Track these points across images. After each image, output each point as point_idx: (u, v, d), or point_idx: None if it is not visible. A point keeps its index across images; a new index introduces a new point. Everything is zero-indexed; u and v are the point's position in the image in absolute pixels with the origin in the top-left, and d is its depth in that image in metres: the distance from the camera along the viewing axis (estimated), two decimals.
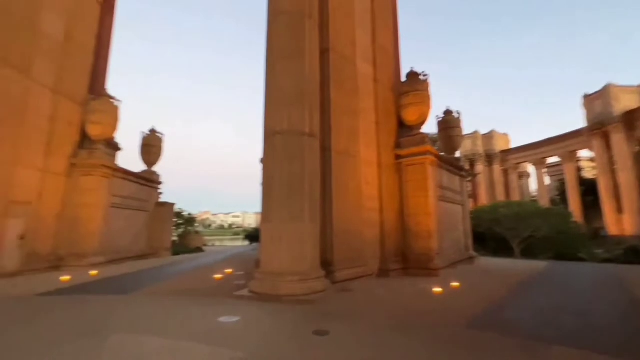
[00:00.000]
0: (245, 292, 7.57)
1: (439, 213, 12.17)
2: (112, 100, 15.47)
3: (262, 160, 12.27)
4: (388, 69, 13.53)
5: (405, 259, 11.58)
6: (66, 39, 14.05)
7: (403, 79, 13.83)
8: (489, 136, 49.39)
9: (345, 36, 11.66)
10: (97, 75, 16.18)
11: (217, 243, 40.16)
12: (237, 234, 77.49)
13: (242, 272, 11.26)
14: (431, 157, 12.03)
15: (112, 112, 15.13)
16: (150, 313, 6.18)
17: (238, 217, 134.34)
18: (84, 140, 14.56)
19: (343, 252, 9.56)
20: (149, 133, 19.60)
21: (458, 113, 16.25)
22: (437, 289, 8.26)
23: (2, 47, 11.09)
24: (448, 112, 16.23)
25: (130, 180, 16.63)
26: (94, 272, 11.53)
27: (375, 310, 6.70)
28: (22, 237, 11.65)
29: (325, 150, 9.76)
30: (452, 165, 14.56)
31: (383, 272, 10.84)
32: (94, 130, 14.57)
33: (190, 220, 29.10)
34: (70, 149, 13.94)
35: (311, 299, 7.15)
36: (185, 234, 26.60)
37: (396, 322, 5.95)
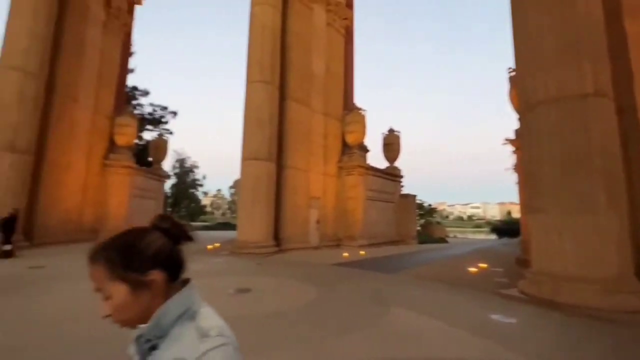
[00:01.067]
0: (513, 291, 6.62)
1: None
2: (359, 111, 18.62)
3: (514, 141, 10.47)
4: None
5: None
6: (326, 72, 18.35)
7: None
8: None
9: None
10: (347, 93, 20.05)
11: (458, 235, 38.65)
12: (479, 226, 71.24)
13: (500, 269, 10.06)
14: None
15: (361, 121, 18.21)
16: (419, 294, 6.71)
17: (478, 208, 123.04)
18: (344, 147, 18.47)
19: None
20: (387, 133, 21.91)
21: None
22: None
23: (296, 92, 16.05)
24: None
25: (379, 176, 19.24)
26: (362, 252, 14.24)
27: None
28: (318, 222, 16.34)
29: (624, 110, 6.81)
30: None
31: None
32: (350, 138, 18.15)
33: (430, 211, 29.85)
34: (337, 155, 18.07)
35: (620, 318, 5.15)
36: (427, 224, 27.56)
37: None
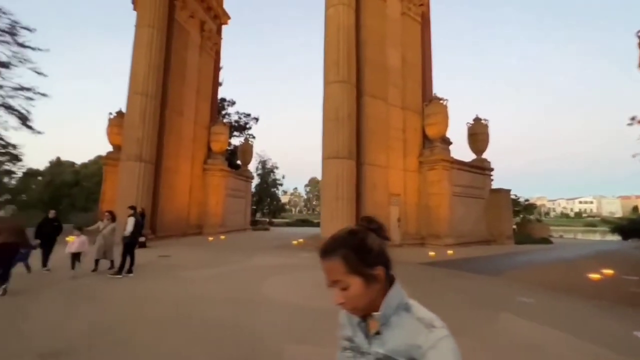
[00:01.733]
0: None
1: None
2: (440, 102, 17.44)
3: None
4: None
5: None
6: (402, 64, 17.66)
7: None
8: None
9: None
10: (425, 83, 18.96)
11: (564, 235, 33.11)
12: (592, 224, 59.63)
13: (634, 277, 8.32)
14: None
15: (442, 112, 17.03)
16: (529, 300, 5.99)
17: (589, 202, 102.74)
18: (425, 141, 17.54)
19: None
20: (473, 122, 20.03)
21: None
22: None
23: (372, 87, 15.84)
24: None
25: (465, 170, 17.76)
26: (450, 252, 13.36)
27: None
28: (399, 220, 15.91)
29: None
30: None
31: None
32: (431, 131, 17.14)
33: (527, 208, 26.08)
34: (417, 150, 17.27)
35: None
36: (524, 222, 24.22)
37: None
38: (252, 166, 40.07)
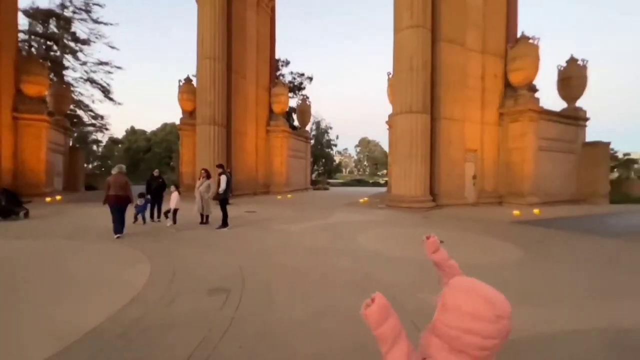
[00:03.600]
0: None
1: None
2: (529, 42, 15.04)
3: None
4: None
5: None
6: (483, 1, 15.32)
7: None
8: None
9: None
10: (510, 22, 16.40)
11: None
12: None
13: None
14: None
15: (532, 54, 14.73)
16: None
17: None
18: (507, 89, 15.58)
19: None
20: (566, 64, 17.17)
21: None
22: None
23: (449, 31, 14.13)
24: None
25: (554, 121, 15.64)
26: (537, 211, 12.29)
27: None
28: (474, 177, 14.90)
29: None
30: None
31: None
32: (516, 77, 15.08)
33: (626, 163, 22.38)
34: (498, 100, 15.47)
35: None
36: (621, 180, 21.07)
37: None
38: (308, 127, 40.07)
